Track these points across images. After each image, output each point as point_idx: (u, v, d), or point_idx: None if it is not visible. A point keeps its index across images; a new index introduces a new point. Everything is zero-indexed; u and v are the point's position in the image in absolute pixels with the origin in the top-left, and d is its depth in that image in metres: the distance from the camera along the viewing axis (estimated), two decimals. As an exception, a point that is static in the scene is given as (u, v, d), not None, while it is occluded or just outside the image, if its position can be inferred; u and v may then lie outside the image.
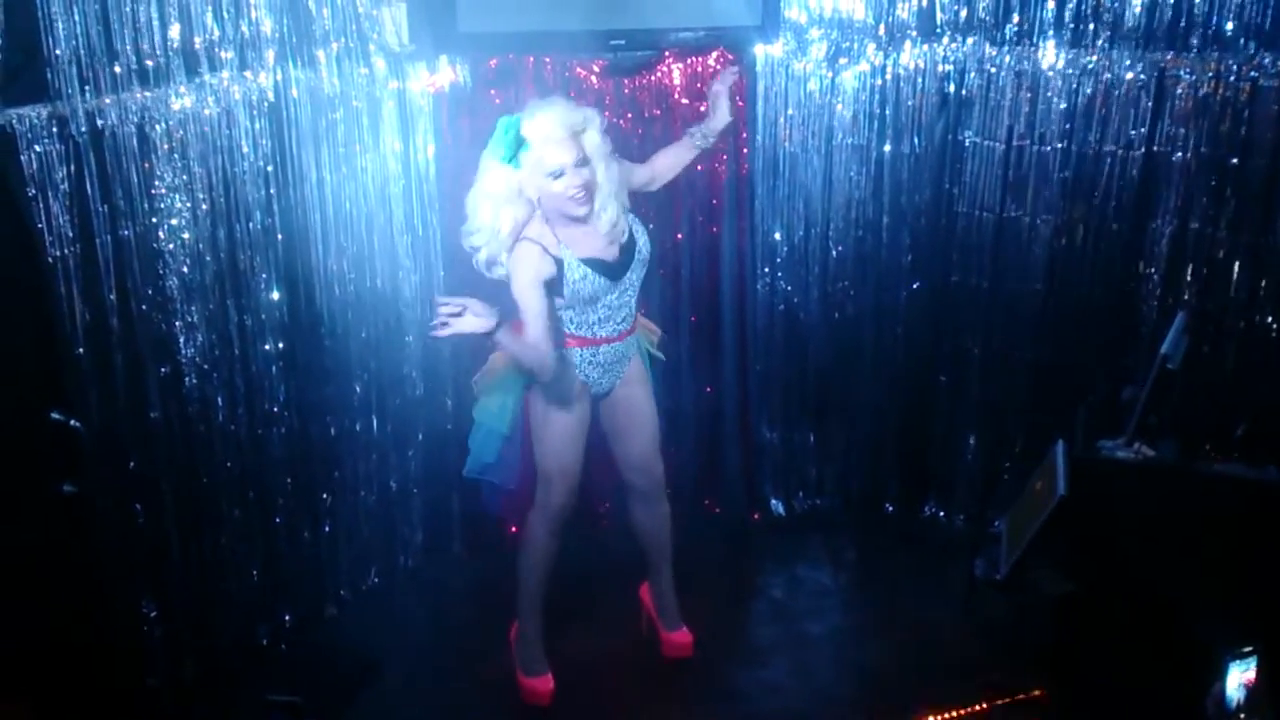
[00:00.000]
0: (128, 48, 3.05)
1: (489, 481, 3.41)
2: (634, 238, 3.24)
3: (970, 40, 3.98)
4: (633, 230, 3.25)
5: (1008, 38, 3.94)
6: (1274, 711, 2.27)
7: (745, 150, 4.17)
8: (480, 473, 3.38)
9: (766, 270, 4.36)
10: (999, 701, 2.69)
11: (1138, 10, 3.73)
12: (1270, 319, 3.75)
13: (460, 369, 4.14)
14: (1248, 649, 2.28)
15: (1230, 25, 3.60)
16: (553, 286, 3.13)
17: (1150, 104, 3.79)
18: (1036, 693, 3.01)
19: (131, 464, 3.25)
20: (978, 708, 2.66)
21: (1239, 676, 2.29)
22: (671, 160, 3.54)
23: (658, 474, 3.53)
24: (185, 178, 3.27)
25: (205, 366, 3.41)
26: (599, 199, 3.13)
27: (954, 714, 2.62)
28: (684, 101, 4.06)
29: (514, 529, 4.16)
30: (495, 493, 3.45)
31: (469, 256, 3.98)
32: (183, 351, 3.35)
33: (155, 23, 3.11)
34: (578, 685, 3.53)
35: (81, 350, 3.05)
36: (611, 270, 3.19)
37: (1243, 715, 2.27)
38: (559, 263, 3.11)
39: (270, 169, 3.52)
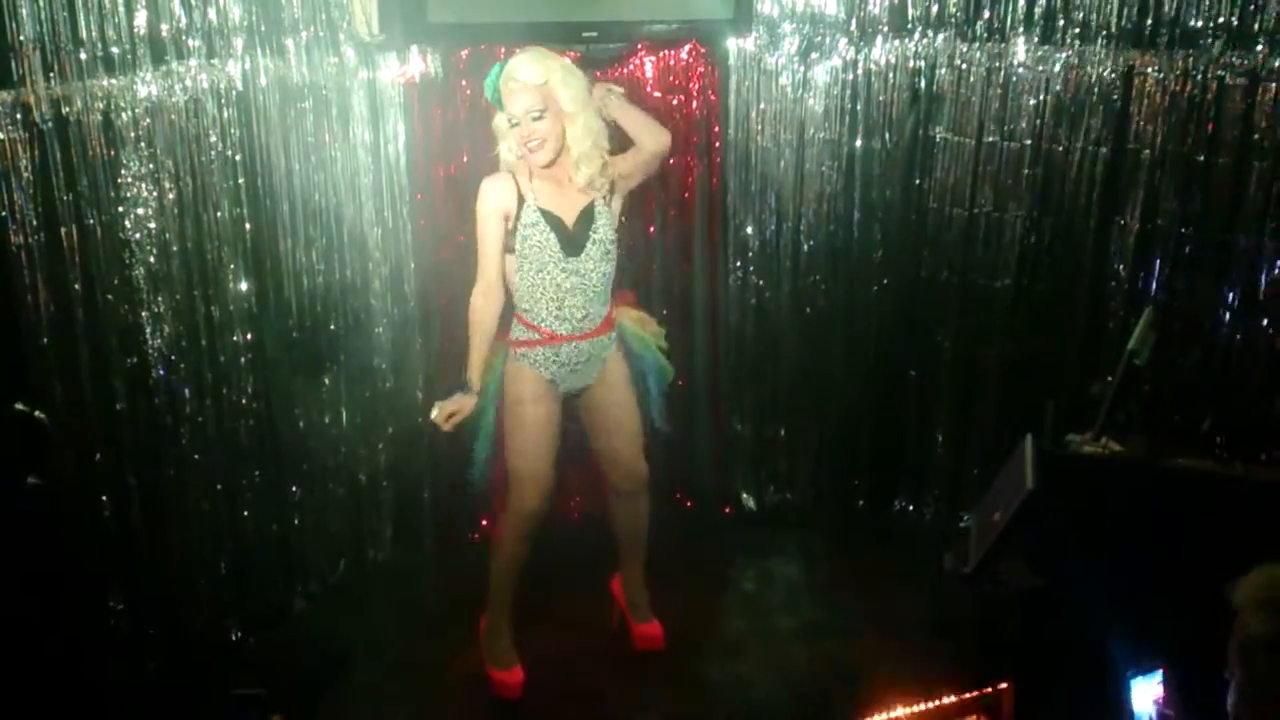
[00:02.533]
0: (93, 34, 3.03)
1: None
2: (595, 216, 3.23)
3: (941, 36, 4.00)
4: (595, 208, 3.23)
5: (978, 34, 3.95)
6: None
7: (717, 144, 4.17)
8: (476, 474, 3.40)
9: (738, 264, 4.36)
10: (966, 694, 2.70)
11: (1107, 7, 3.75)
12: (1236, 315, 3.79)
13: (432, 363, 4.13)
14: (1152, 665, 2.28)
15: (1197, 23, 3.64)
16: (509, 233, 3.18)
17: (1119, 101, 3.82)
18: (1003, 685, 3.02)
19: (97, 456, 3.22)
20: (945, 700, 2.67)
21: (1145, 692, 2.28)
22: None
23: (641, 473, 3.50)
24: (152, 166, 3.24)
25: (172, 358, 3.39)
26: (573, 155, 3.16)
27: (921, 707, 2.63)
28: (656, 94, 4.05)
29: (484, 522, 4.17)
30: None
31: (438, 249, 3.99)
32: (149, 342, 3.32)
33: (121, 9, 3.09)
34: (548, 678, 3.52)
35: (46, 341, 3.03)
36: (566, 238, 3.18)
37: None
38: (520, 203, 3.16)
39: (238, 158, 3.50)
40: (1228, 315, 3.81)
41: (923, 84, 4.08)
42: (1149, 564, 3.11)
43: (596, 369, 3.36)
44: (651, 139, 3.30)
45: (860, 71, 4.10)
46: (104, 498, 3.25)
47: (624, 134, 3.29)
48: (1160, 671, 2.29)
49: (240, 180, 3.51)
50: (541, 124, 3.10)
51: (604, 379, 3.38)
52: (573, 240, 3.19)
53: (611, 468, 3.49)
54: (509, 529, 3.37)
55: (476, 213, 3.19)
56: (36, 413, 2.97)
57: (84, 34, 3.00)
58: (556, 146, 3.14)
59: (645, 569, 3.67)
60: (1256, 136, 3.63)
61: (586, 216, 3.22)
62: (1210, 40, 3.62)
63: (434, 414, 3.22)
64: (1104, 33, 3.78)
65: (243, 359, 3.61)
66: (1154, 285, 3.91)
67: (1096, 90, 3.84)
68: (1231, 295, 3.79)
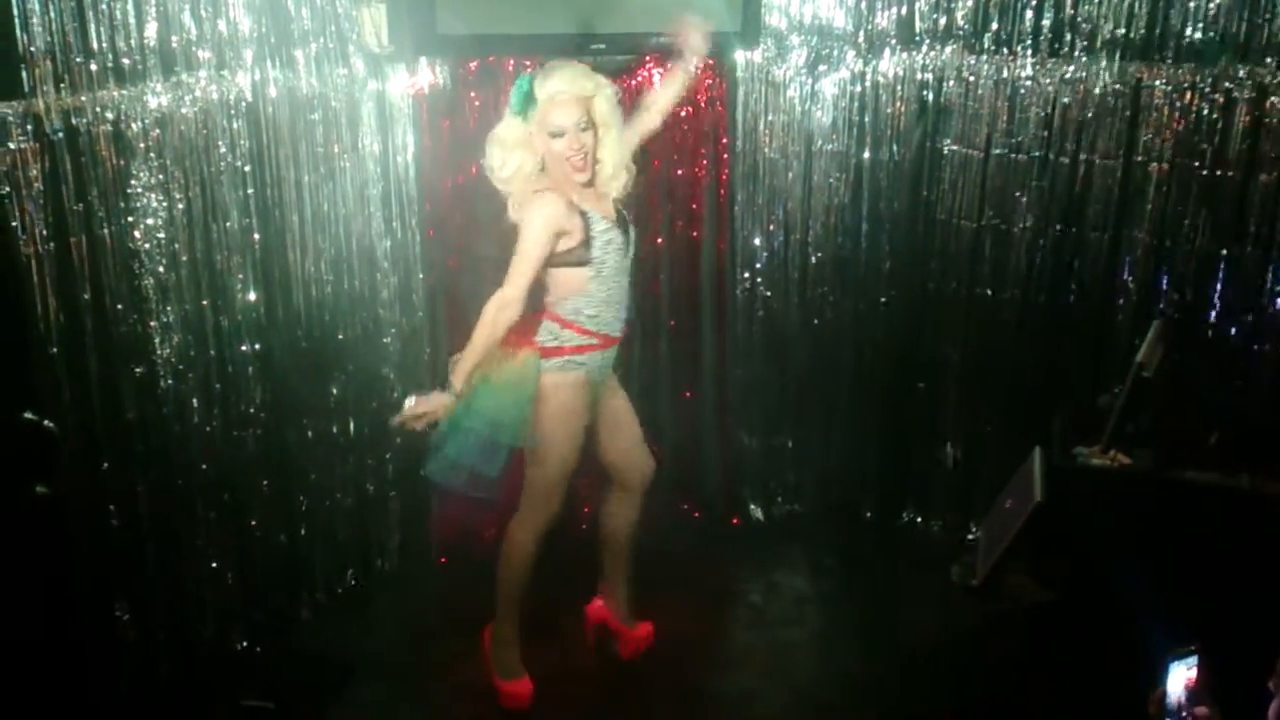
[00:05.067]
0: (104, 45, 3.04)
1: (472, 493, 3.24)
2: (625, 218, 3.28)
3: (949, 49, 4.01)
4: (624, 213, 3.29)
5: (986, 47, 3.96)
6: (1218, 708, 2.26)
7: (725, 156, 4.18)
8: (471, 485, 3.20)
9: (746, 275, 4.37)
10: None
11: (1115, 20, 3.75)
12: (1245, 327, 3.78)
13: (440, 373, 4.13)
14: (1189, 648, 2.28)
15: (1203, 36, 3.64)
16: (571, 249, 3.13)
17: (1127, 113, 3.82)
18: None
19: (105, 465, 3.22)
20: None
21: (1181, 676, 2.28)
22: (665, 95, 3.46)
23: (651, 467, 3.55)
24: (161, 177, 3.25)
25: (181, 367, 3.39)
26: (608, 167, 3.19)
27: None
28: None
29: (486, 536, 4.15)
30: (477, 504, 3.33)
31: (447, 259, 4.00)
32: (158, 352, 3.33)
33: (132, 21, 3.10)
34: (552, 689, 3.52)
35: (55, 350, 3.03)
36: (628, 241, 3.25)
37: (1184, 716, 2.27)
38: (585, 217, 3.13)
39: (248, 169, 3.51)
40: (1235, 327, 3.80)
41: (930, 96, 4.08)
42: (1157, 577, 3.10)
43: (609, 372, 3.40)
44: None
45: (868, 84, 4.12)
46: (112, 507, 3.25)
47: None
48: (1195, 656, 2.28)
49: (249, 191, 3.52)
50: (587, 135, 3.11)
51: (610, 383, 3.42)
52: (629, 243, 3.26)
53: (627, 469, 3.50)
54: (524, 531, 3.35)
55: (530, 224, 3.08)
56: (45, 422, 2.97)
57: (94, 45, 3.01)
58: (593, 159, 3.16)
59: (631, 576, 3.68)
60: (1267, 148, 3.62)
61: (622, 219, 3.27)
62: (1217, 53, 3.62)
63: (406, 407, 3.11)
64: (1111, 46, 3.78)
65: (251, 369, 3.62)
66: (1162, 297, 3.91)
67: (1103, 103, 3.83)
68: (1240, 307, 3.79)
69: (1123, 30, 3.75)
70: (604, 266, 3.17)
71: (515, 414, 3.19)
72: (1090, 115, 3.86)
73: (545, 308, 3.23)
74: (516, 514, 3.38)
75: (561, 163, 3.11)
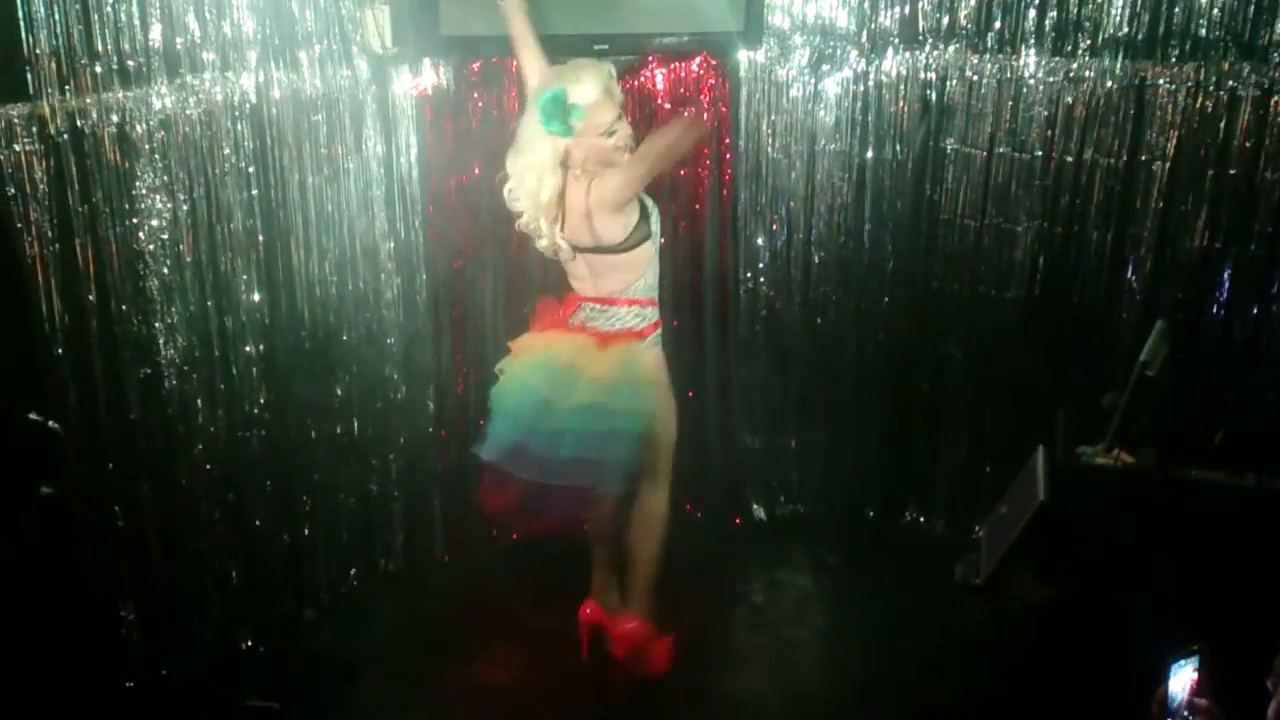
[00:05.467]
0: (108, 47, 3.05)
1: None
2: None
3: (952, 48, 4.00)
4: None
5: (989, 46, 3.95)
6: (1219, 705, 2.25)
7: (728, 156, 4.19)
8: (603, 480, 3.22)
9: (749, 275, 4.37)
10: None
11: (1118, 19, 3.75)
12: (1249, 325, 3.78)
13: (443, 374, 4.14)
14: (1192, 648, 2.28)
15: (1210, 35, 3.64)
16: (638, 224, 3.21)
17: (1131, 112, 3.81)
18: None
19: (110, 465, 3.24)
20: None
21: (1183, 676, 2.28)
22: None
23: None
24: (166, 178, 3.26)
25: (185, 368, 3.40)
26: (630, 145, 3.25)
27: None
28: (667, 106, 4.07)
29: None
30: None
31: (450, 260, 3.99)
32: (163, 353, 3.34)
33: (136, 23, 3.11)
34: (553, 689, 3.52)
35: (60, 351, 3.04)
36: None
37: (1186, 714, 2.26)
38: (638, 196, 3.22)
39: (252, 170, 3.51)
40: (1239, 326, 3.80)
41: (933, 96, 4.08)
42: (1162, 576, 3.10)
43: None
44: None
45: (871, 83, 4.11)
46: (117, 507, 3.26)
47: None
48: (1197, 656, 2.28)
49: (253, 192, 3.53)
50: (623, 120, 3.21)
51: None
52: None
53: None
54: (667, 496, 3.49)
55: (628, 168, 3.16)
56: (50, 423, 2.99)
57: (99, 47, 3.02)
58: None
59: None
60: (1271, 147, 3.62)
61: None
62: (1222, 51, 3.62)
63: None
64: (1115, 44, 3.78)
65: (255, 369, 3.62)
66: (1166, 296, 3.90)
67: (1107, 102, 3.83)
68: (1243, 306, 3.78)
69: (1126, 29, 3.75)
70: (654, 244, 3.29)
71: (650, 402, 3.31)
72: (1094, 114, 3.86)
73: (616, 298, 3.28)
74: (653, 490, 3.46)
75: (610, 154, 3.17)
